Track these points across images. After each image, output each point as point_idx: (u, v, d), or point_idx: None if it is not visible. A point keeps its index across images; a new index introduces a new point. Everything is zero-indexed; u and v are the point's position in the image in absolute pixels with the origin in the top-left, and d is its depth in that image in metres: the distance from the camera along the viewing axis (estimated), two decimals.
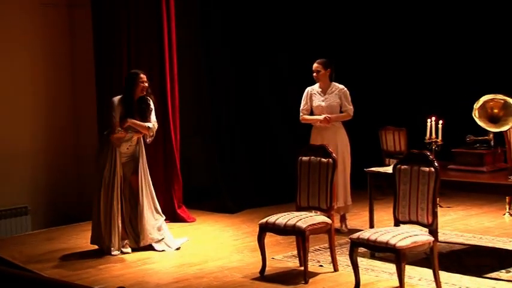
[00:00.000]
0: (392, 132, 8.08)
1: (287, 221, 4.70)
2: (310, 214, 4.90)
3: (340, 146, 6.18)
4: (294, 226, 4.65)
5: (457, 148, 5.47)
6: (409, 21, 8.78)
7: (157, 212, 5.85)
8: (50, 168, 7.28)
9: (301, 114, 6.30)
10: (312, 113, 6.33)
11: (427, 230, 4.48)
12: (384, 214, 6.80)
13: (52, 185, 7.28)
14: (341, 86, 6.27)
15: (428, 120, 5.66)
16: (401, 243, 4.16)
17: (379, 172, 5.50)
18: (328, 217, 4.85)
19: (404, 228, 4.48)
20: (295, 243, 5.12)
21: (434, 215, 4.36)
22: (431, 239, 4.33)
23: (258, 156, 8.14)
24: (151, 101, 5.74)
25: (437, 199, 4.59)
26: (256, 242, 4.91)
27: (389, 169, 5.20)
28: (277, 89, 8.36)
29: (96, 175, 5.73)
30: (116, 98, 5.71)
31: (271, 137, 8.28)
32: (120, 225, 5.63)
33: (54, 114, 7.33)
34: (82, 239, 6.26)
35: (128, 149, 5.72)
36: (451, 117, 6.42)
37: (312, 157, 4.97)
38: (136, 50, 6.98)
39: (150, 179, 5.84)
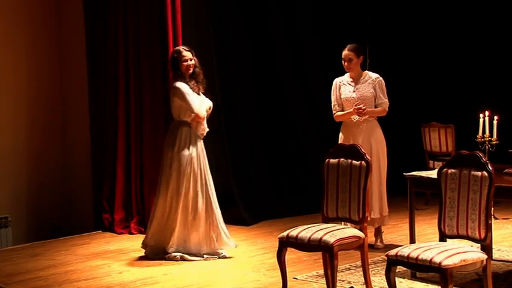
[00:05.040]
0: (437, 129, 8.05)
1: (312, 235, 4.70)
2: (340, 226, 4.88)
3: (375, 146, 6.15)
4: (320, 240, 4.65)
5: None
6: (459, 1, 8.75)
7: None
8: (34, 173, 7.34)
9: (333, 111, 6.28)
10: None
11: (479, 245, 4.44)
12: (427, 227, 6.78)
13: (36, 192, 7.34)
14: (375, 75, 6.24)
15: (481, 115, 5.62)
16: (448, 262, 4.13)
17: (421, 177, 5.46)
18: (360, 230, 4.82)
19: (451, 243, 4.44)
20: (321, 260, 5.10)
21: (488, 228, 4.32)
22: (484, 256, 4.29)
23: (278, 159, 8.15)
24: (200, 76, 5.97)
25: (492, 209, 4.54)
26: (275, 259, 4.91)
27: (433, 173, 5.17)
28: (301, 81, 8.39)
29: (170, 171, 5.89)
30: (181, 83, 5.90)
31: (293, 135, 8.30)
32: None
33: (38, 110, 7.39)
34: (71, 255, 6.30)
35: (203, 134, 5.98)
36: (508, 112, 6.38)
37: (342, 159, 4.94)
38: (134, 39, 7.05)
39: None
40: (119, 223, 7.08)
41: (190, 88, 5.92)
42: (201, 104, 5.93)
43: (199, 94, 5.98)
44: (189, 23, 7.82)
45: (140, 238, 6.86)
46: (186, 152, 5.91)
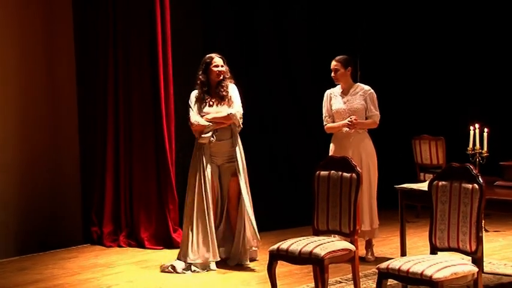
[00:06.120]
0: (428, 142, 8.05)
1: (302, 248, 4.69)
2: (330, 239, 4.89)
3: (365, 158, 6.16)
4: (310, 253, 4.64)
5: (505, 161, 5.43)
6: (449, 14, 8.80)
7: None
8: (22, 184, 7.26)
9: (324, 123, 6.30)
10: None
11: (470, 258, 4.44)
12: (418, 239, 6.78)
13: (24, 205, 7.27)
14: (367, 87, 6.26)
15: (471, 128, 5.63)
16: (439, 275, 4.13)
17: (412, 189, 5.46)
18: (351, 243, 4.82)
19: (442, 256, 4.44)
20: (311, 273, 5.09)
21: (479, 241, 4.32)
22: (475, 269, 4.29)
23: (268, 170, 8.13)
24: (231, 86, 6.05)
25: (483, 222, 4.54)
26: (266, 272, 4.89)
27: (424, 186, 5.16)
28: (292, 91, 8.39)
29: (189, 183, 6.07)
30: (195, 91, 6.07)
31: (284, 147, 8.29)
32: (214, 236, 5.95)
33: (27, 118, 7.33)
34: (60, 269, 6.25)
35: (214, 144, 5.99)
36: (498, 124, 6.39)
37: (332, 171, 4.95)
38: (123, 43, 7.04)
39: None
40: (107, 236, 7.03)
41: (202, 98, 6.00)
42: (195, 113, 5.97)
43: (211, 104, 6.00)
44: (179, 24, 7.83)
45: (130, 251, 6.85)
46: (192, 161, 6.04)
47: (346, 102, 6.20)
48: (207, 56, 6.10)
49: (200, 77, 6.05)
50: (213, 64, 6.03)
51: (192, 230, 5.96)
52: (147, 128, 7.02)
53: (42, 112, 7.42)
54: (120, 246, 6.97)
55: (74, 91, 7.36)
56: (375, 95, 6.24)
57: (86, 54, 7.32)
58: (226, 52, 7.78)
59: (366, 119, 6.19)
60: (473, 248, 4.32)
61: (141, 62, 7.02)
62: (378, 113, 6.22)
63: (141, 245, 6.92)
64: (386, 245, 6.73)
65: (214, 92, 6.05)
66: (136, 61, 7.03)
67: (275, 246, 4.79)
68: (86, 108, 7.37)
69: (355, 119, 6.05)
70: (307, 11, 8.54)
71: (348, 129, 6.11)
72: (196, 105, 6.04)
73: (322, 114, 6.31)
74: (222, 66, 6.05)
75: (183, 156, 8.08)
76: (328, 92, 6.33)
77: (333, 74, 6.21)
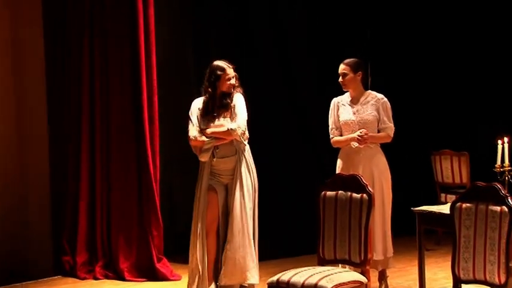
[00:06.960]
0: (449, 158, 8.09)
1: (306, 280, 4.67)
2: (338, 270, 4.89)
3: (378, 176, 6.14)
4: (315, 286, 4.61)
5: None
6: (473, 18, 8.85)
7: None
8: None
9: (331, 135, 6.29)
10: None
11: None
12: (439, 270, 6.77)
13: None
14: (380, 96, 6.25)
15: (499, 142, 5.63)
16: None
17: (431, 212, 5.46)
18: (362, 274, 4.82)
19: None
20: None
21: (509, 272, 4.31)
22: None
23: (267, 191, 8.09)
24: (237, 95, 6.02)
25: None
26: None
27: (445, 208, 5.17)
28: (293, 98, 8.44)
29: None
30: (198, 99, 6.05)
31: (284, 163, 8.30)
32: (205, 265, 5.92)
33: None
34: None
35: (217, 161, 5.94)
36: None
37: (340, 191, 4.95)
38: (100, 44, 7.08)
39: (256, 199, 6.14)
40: (81, 267, 7.02)
41: (206, 109, 5.97)
42: (194, 127, 5.95)
43: (214, 117, 5.96)
44: (168, 23, 7.86)
45: (107, 284, 6.81)
46: (197, 181, 6.05)
47: (355, 113, 6.18)
48: (217, 65, 6.00)
49: (209, 89, 5.98)
50: (226, 77, 5.97)
51: (190, 257, 5.97)
52: (127, 141, 7.04)
53: (6, 126, 7.40)
54: (96, 278, 6.96)
55: (43, 103, 7.35)
56: (388, 105, 6.23)
57: (55, 59, 7.30)
58: (222, 56, 7.85)
59: (378, 131, 6.18)
60: (503, 280, 4.32)
61: (121, 67, 7.03)
62: (392, 125, 6.21)
63: (121, 277, 6.91)
64: (402, 276, 6.73)
65: (219, 102, 6.00)
66: (116, 65, 7.04)
67: (274, 278, 4.78)
68: (57, 119, 7.35)
69: (365, 133, 6.03)
70: (309, 11, 8.59)
71: (357, 144, 6.09)
72: (197, 117, 5.97)
73: (328, 126, 6.30)
74: (233, 77, 6.00)
75: (170, 174, 8.08)
76: (335, 100, 6.32)
77: (340, 79, 6.19)
